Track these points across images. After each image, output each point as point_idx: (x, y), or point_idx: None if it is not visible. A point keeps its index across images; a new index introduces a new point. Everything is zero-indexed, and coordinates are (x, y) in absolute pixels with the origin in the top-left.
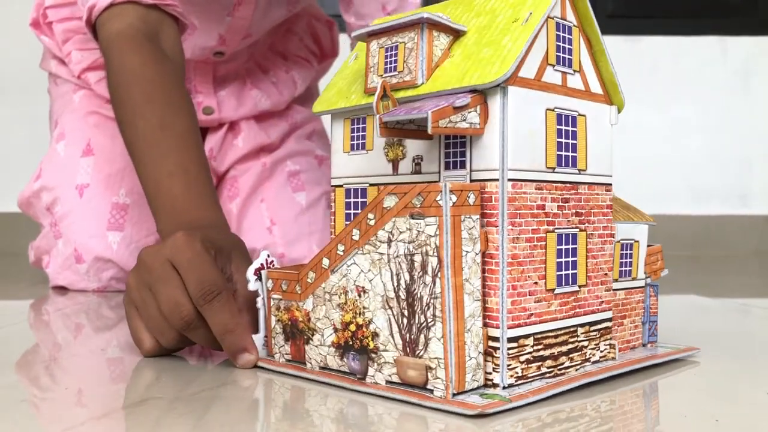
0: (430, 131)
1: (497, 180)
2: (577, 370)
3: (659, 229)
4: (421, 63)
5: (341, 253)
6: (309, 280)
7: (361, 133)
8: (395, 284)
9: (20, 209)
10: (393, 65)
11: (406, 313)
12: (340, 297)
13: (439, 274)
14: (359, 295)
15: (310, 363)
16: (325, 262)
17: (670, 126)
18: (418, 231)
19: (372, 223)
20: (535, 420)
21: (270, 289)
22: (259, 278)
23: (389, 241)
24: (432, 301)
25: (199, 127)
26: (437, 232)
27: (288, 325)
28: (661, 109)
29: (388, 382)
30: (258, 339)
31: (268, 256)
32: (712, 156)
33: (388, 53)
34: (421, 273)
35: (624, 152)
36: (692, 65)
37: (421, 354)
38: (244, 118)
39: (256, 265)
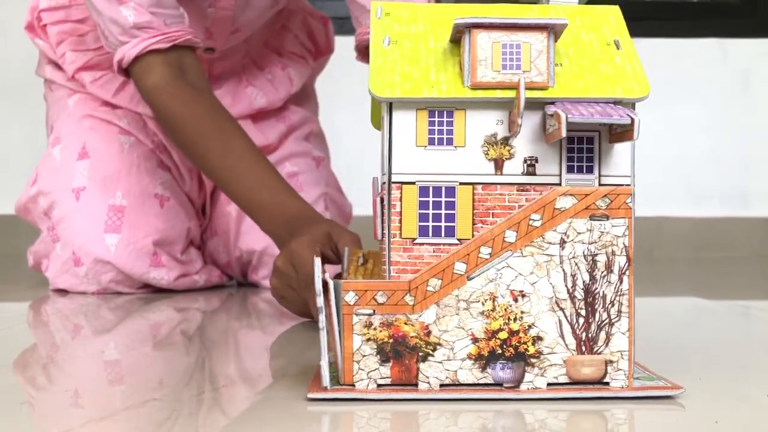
0: (636, 137)
1: (628, 185)
2: None
3: (661, 231)
4: (551, 66)
5: (486, 257)
6: (431, 289)
7: (446, 127)
8: (569, 285)
9: (18, 215)
10: (515, 63)
11: (583, 312)
12: (484, 304)
13: (627, 272)
14: (515, 300)
15: (427, 383)
16: (460, 266)
17: (670, 127)
18: (602, 232)
19: (538, 224)
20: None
21: (351, 303)
22: (325, 291)
23: (563, 243)
24: (618, 298)
25: None
26: (626, 233)
27: (388, 343)
28: (661, 111)
29: (549, 384)
30: (325, 367)
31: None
32: (713, 157)
33: (507, 50)
34: (605, 272)
35: None
36: (692, 67)
37: (600, 350)
38: (240, 117)
39: (319, 275)
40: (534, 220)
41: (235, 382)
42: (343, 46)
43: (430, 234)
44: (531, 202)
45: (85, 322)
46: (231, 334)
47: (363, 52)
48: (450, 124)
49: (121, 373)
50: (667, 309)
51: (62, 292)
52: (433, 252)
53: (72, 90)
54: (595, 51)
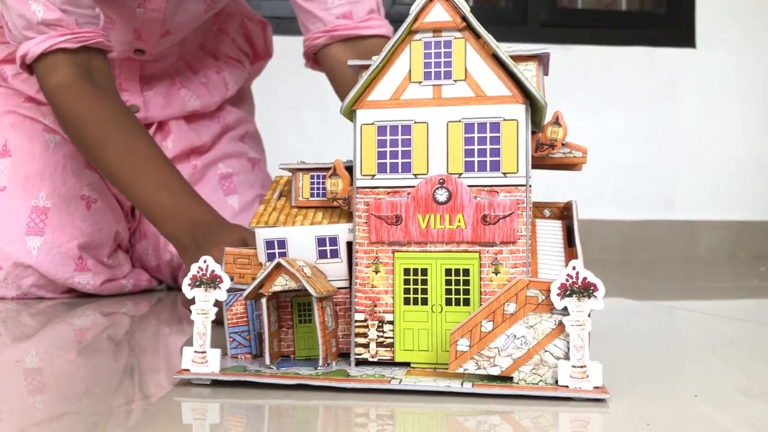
0: None
1: None
2: None
3: (589, 234)
4: None
5: None
6: None
7: None
8: None
9: None
10: None
11: None
12: None
13: None
14: None
15: None
16: None
17: (599, 133)
18: None
19: None
20: None
21: None
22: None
23: None
24: None
25: None
26: None
27: None
28: (591, 117)
29: None
30: None
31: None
32: (640, 163)
33: None
34: None
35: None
36: (621, 74)
37: None
38: (172, 117)
39: None
40: None
41: (167, 390)
42: (281, 46)
43: None
44: None
45: (3, 329)
46: (161, 340)
47: (312, 58)
48: None
49: (43, 381)
50: (596, 310)
51: None
52: None
53: None
54: None
